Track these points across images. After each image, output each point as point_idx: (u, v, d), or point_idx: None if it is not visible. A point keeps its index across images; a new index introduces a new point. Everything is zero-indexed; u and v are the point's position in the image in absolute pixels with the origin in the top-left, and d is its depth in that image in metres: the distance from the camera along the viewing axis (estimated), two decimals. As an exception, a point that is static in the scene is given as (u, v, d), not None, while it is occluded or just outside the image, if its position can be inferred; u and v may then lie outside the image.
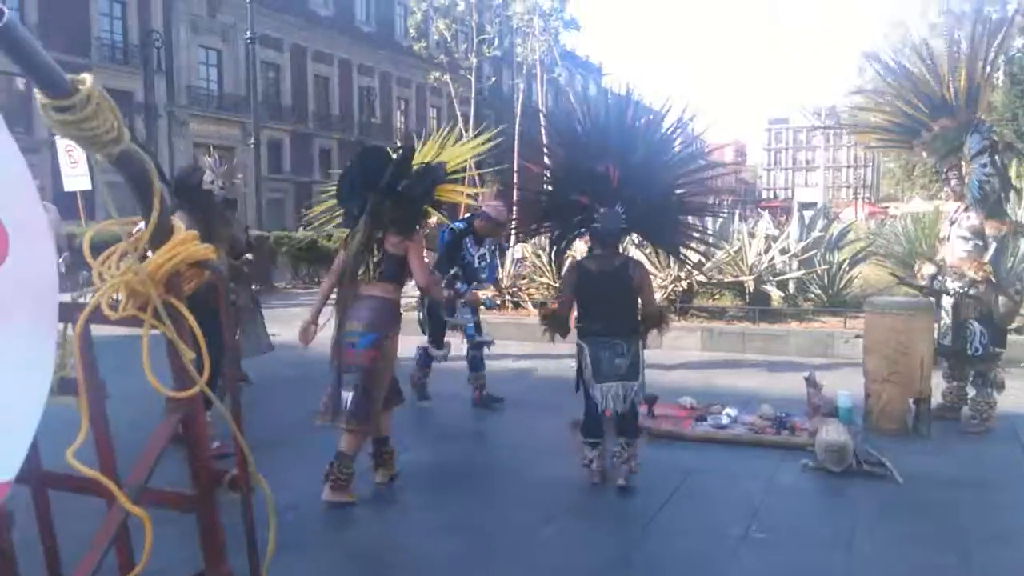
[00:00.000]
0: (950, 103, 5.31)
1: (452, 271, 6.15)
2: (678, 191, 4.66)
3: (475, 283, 6.27)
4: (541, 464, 4.78)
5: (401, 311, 4.38)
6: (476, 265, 6.29)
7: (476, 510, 4.05)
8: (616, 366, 4.25)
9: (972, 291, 5.30)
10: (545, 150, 5.29)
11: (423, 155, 4.52)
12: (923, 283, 5.70)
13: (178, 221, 1.93)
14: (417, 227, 4.34)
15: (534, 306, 10.42)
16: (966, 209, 5.40)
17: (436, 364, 6.40)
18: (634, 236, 5.50)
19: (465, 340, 6.35)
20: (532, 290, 10.94)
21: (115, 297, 1.80)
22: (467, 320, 6.27)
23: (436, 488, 4.41)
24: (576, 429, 4.64)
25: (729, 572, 3.30)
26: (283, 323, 11.25)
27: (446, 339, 6.36)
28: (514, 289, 10.86)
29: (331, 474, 4.05)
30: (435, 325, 6.33)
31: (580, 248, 6.68)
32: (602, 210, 4.33)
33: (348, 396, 4.07)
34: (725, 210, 8.53)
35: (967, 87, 5.24)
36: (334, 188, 4.62)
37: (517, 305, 10.67)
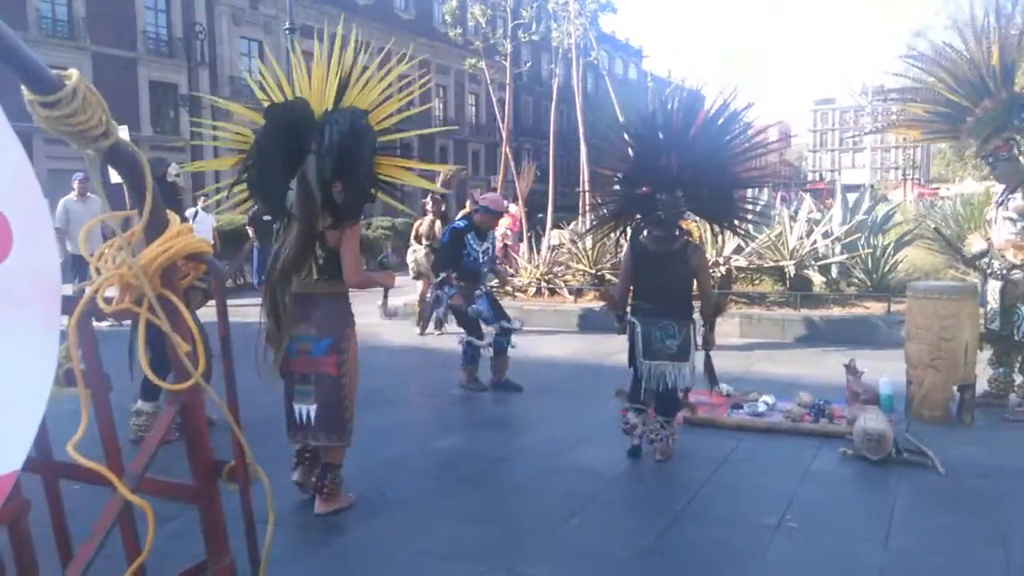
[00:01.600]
0: (988, 84, 5.13)
1: (440, 276, 6.25)
2: (732, 168, 4.78)
3: (481, 279, 6.36)
4: (574, 452, 4.77)
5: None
6: (481, 260, 6.36)
7: (506, 498, 4.06)
8: (666, 346, 4.43)
9: (1017, 275, 5.13)
10: (614, 158, 5.34)
11: (319, 95, 3.66)
12: (968, 256, 5.66)
13: (173, 214, 1.94)
14: (361, 214, 3.79)
15: (570, 293, 10.38)
16: (1013, 190, 5.23)
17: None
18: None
19: (491, 328, 6.35)
20: (568, 276, 10.90)
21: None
22: (482, 310, 6.30)
23: (465, 477, 4.41)
24: (622, 396, 4.81)
25: (761, 562, 3.25)
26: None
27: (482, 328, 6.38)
28: (550, 276, 10.82)
29: (322, 488, 3.78)
30: (462, 317, 6.38)
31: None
32: (662, 196, 4.48)
33: (308, 409, 3.72)
34: (769, 189, 8.44)
35: (1001, 64, 5.06)
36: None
37: (553, 292, 10.63)
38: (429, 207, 9.97)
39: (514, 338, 6.37)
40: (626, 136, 5.12)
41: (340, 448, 3.81)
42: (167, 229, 1.87)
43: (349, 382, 3.74)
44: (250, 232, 13.49)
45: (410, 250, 10.13)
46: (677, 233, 4.63)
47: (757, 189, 5.37)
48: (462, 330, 6.49)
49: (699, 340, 4.65)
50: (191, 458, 2.03)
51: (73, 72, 1.43)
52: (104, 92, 1.63)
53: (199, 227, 12.85)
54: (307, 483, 3.94)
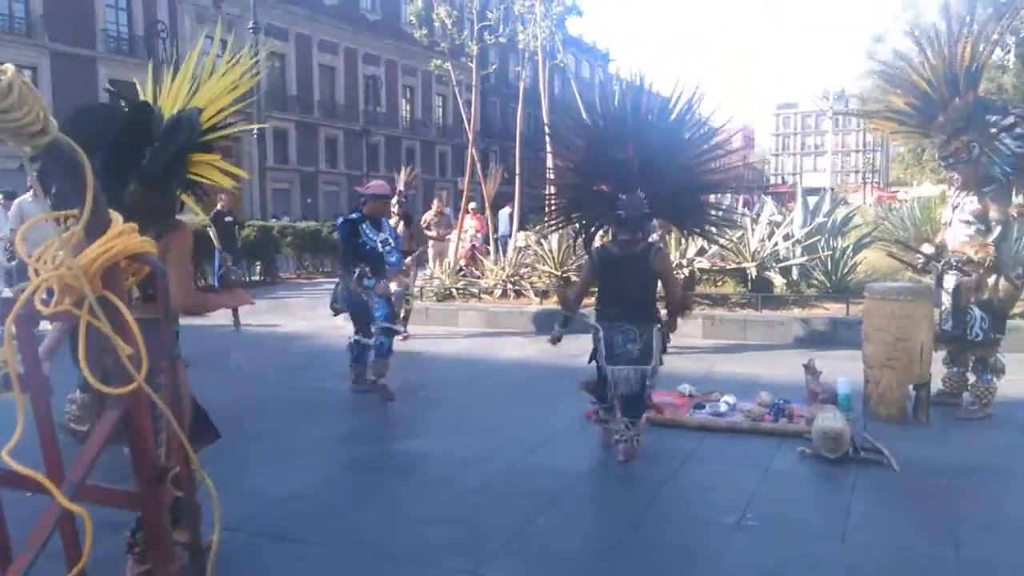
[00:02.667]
0: (960, 84, 5.23)
1: (356, 272, 6.12)
2: (696, 170, 4.83)
3: (385, 271, 6.26)
4: (539, 453, 4.78)
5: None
6: (380, 250, 6.24)
7: (470, 499, 4.05)
8: (628, 351, 4.44)
9: (972, 276, 5.23)
10: (567, 145, 5.31)
11: (174, 98, 3.13)
12: (919, 261, 5.79)
13: (116, 213, 1.90)
14: (174, 217, 3.11)
15: (536, 294, 10.40)
16: (969, 193, 5.33)
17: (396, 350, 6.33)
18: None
19: (376, 326, 6.21)
20: (534, 279, 10.92)
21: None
22: (380, 304, 6.19)
23: (430, 478, 4.40)
24: (587, 389, 4.89)
25: (722, 561, 3.29)
26: (285, 313, 11.33)
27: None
28: (516, 278, 10.84)
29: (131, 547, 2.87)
30: (357, 315, 6.28)
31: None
32: (624, 196, 4.48)
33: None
34: (733, 192, 8.50)
35: (970, 66, 5.17)
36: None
37: (519, 294, 10.65)
38: (395, 209, 9.92)
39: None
40: (582, 122, 5.13)
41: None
42: (109, 229, 1.83)
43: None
44: (212, 234, 13.31)
45: None
46: (640, 236, 4.65)
47: (723, 194, 5.39)
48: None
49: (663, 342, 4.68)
50: (134, 464, 1.99)
51: (8, 67, 1.40)
52: (63, 91, 1.60)
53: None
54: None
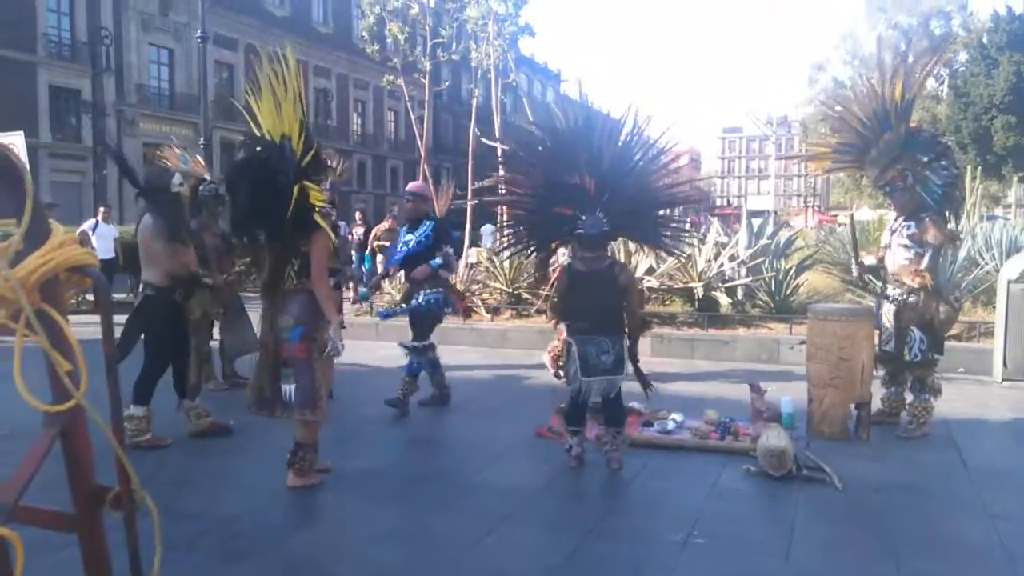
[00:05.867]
0: (891, 119, 5.43)
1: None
2: (649, 187, 4.99)
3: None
4: (490, 470, 4.76)
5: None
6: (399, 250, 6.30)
7: (420, 517, 4.01)
8: (601, 362, 4.59)
9: (912, 298, 5.41)
10: (523, 172, 5.43)
11: (270, 121, 4.11)
12: (854, 271, 6.10)
13: (55, 223, 1.84)
14: (316, 224, 4.11)
15: (487, 311, 10.39)
16: (907, 218, 5.51)
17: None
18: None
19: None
20: (485, 295, 10.92)
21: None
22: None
23: (380, 496, 4.35)
24: (561, 415, 5.01)
25: (669, 578, 3.31)
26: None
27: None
28: (467, 294, 10.81)
29: (294, 462, 4.29)
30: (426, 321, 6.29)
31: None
32: (584, 218, 4.67)
33: (290, 388, 4.20)
34: (684, 208, 8.70)
35: (901, 99, 5.37)
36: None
37: (470, 311, 10.61)
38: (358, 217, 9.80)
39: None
40: (534, 148, 5.28)
41: (311, 423, 4.26)
42: (48, 240, 1.77)
43: (315, 364, 4.22)
44: None
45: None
46: (608, 252, 4.82)
47: (676, 209, 5.54)
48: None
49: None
50: (71, 484, 1.92)
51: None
52: (1, 95, 1.55)
53: (100, 239, 12.33)
54: None
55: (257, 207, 4.06)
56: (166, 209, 5.12)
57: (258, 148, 4.12)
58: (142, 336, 5.17)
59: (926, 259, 5.35)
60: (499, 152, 12.62)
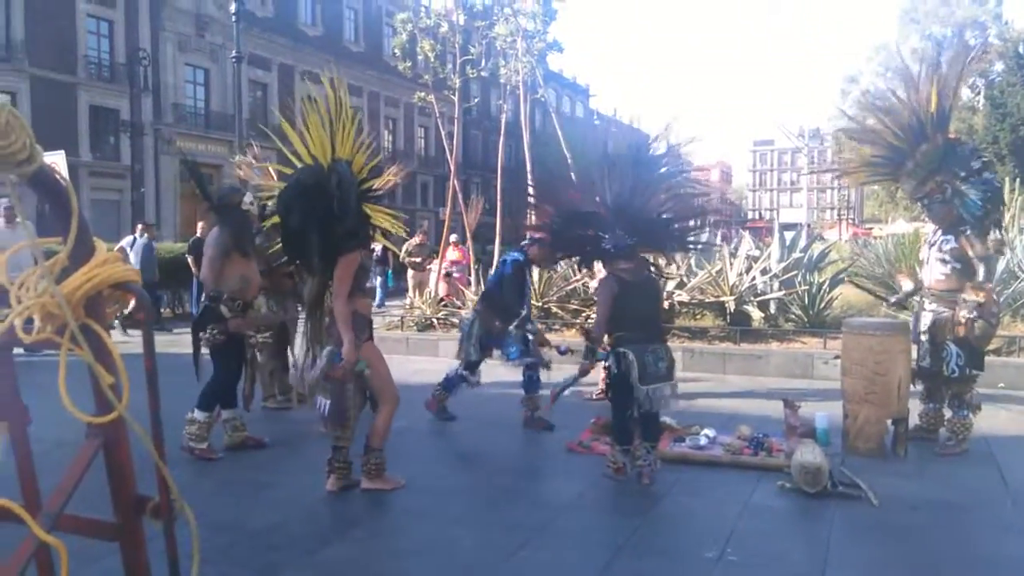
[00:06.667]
0: (926, 130, 5.34)
1: (522, 314, 6.07)
2: (667, 204, 5.02)
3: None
4: (521, 484, 4.76)
5: (371, 316, 4.65)
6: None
7: (452, 531, 4.01)
8: (659, 368, 4.65)
9: (945, 313, 5.31)
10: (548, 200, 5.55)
11: (320, 148, 4.30)
12: (894, 298, 5.94)
13: (99, 241, 1.89)
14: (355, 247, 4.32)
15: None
16: (945, 232, 5.41)
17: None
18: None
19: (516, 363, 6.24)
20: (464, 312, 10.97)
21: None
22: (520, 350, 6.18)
23: (413, 509, 4.36)
24: (606, 432, 5.08)
25: (702, 595, 3.28)
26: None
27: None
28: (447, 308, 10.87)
29: (363, 466, 4.51)
30: (486, 353, 6.30)
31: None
32: (606, 236, 4.78)
33: (324, 403, 4.41)
34: (709, 228, 8.65)
35: (937, 110, 5.29)
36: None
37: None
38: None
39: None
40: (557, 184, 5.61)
41: (344, 436, 4.49)
42: (93, 257, 1.82)
43: (347, 381, 4.38)
44: (191, 261, 13.24)
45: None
46: (642, 261, 4.91)
47: (697, 219, 5.48)
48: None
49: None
50: (113, 494, 1.96)
51: (-4, 96, 1.41)
52: (42, 116, 1.61)
53: (136, 255, 12.55)
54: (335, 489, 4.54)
55: (311, 230, 4.18)
56: (233, 223, 5.36)
57: (311, 172, 4.25)
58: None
59: (980, 272, 5.22)
60: (528, 176, 12.74)
